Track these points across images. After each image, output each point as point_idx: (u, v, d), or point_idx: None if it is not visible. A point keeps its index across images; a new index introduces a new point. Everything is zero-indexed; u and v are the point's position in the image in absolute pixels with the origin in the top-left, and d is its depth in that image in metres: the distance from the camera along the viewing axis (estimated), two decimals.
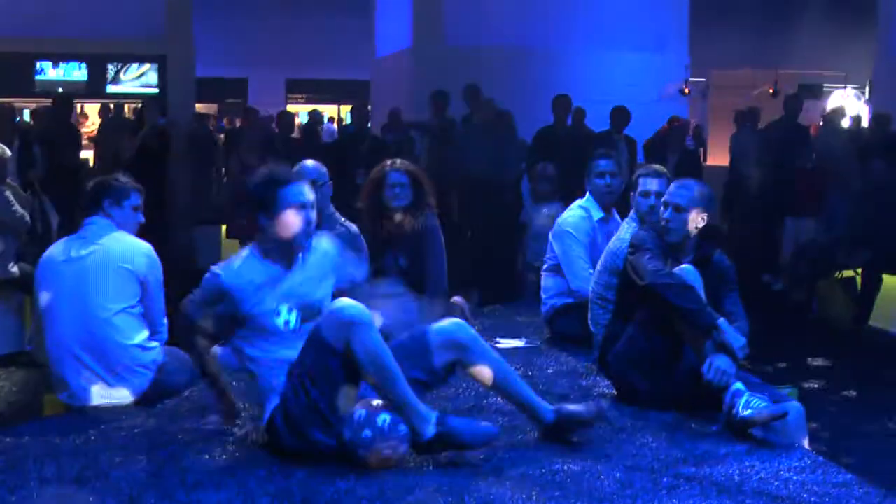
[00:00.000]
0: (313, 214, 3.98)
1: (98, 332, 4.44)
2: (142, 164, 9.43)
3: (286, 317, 3.91)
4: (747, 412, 4.11)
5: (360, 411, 3.74)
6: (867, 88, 18.37)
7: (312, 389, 3.72)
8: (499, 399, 4.64)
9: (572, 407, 4.10)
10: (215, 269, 3.92)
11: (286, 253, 3.98)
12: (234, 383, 4.31)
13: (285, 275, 3.96)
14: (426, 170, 6.69)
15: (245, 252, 3.99)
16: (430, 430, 3.72)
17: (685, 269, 4.49)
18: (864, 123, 12.60)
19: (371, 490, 3.50)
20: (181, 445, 3.96)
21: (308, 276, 4.02)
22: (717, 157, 16.32)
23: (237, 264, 3.94)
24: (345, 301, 3.75)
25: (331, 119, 21.91)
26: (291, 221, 3.91)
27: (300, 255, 4.00)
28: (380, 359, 3.69)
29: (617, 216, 6.15)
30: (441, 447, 3.76)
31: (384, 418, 3.70)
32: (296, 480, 3.58)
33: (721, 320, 4.33)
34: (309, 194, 3.98)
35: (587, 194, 6.19)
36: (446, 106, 11.20)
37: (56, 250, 4.68)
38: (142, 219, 4.89)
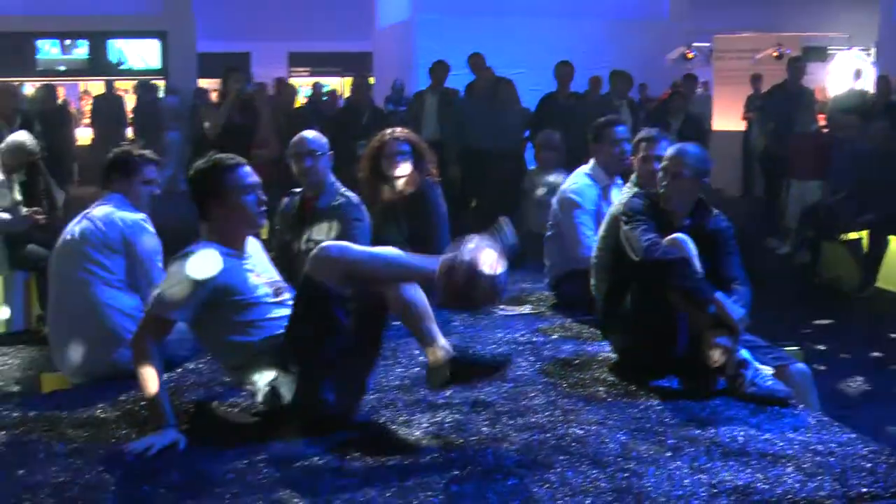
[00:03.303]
0: (262, 195, 3.96)
1: (89, 305, 4.43)
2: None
3: (266, 290, 3.90)
4: (752, 388, 4.09)
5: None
6: (872, 50, 18.25)
7: (319, 345, 3.62)
8: None
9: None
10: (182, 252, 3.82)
11: (240, 237, 3.96)
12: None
13: (243, 257, 3.94)
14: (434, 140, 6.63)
15: (201, 245, 3.87)
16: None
17: (679, 237, 4.34)
18: (868, 85, 12.55)
19: (374, 456, 3.50)
20: (187, 416, 3.95)
21: (259, 258, 4.05)
22: (722, 121, 16.24)
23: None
24: (320, 246, 3.65)
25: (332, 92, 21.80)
26: (245, 205, 3.88)
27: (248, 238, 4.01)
28: (379, 256, 3.61)
29: (620, 181, 6.11)
30: (463, 372, 3.58)
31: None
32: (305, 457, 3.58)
33: (718, 294, 4.22)
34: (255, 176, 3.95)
35: (591, 161, 6.14)
36: (446, 76, 11.15)
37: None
38: (156, 190, 4.86)
